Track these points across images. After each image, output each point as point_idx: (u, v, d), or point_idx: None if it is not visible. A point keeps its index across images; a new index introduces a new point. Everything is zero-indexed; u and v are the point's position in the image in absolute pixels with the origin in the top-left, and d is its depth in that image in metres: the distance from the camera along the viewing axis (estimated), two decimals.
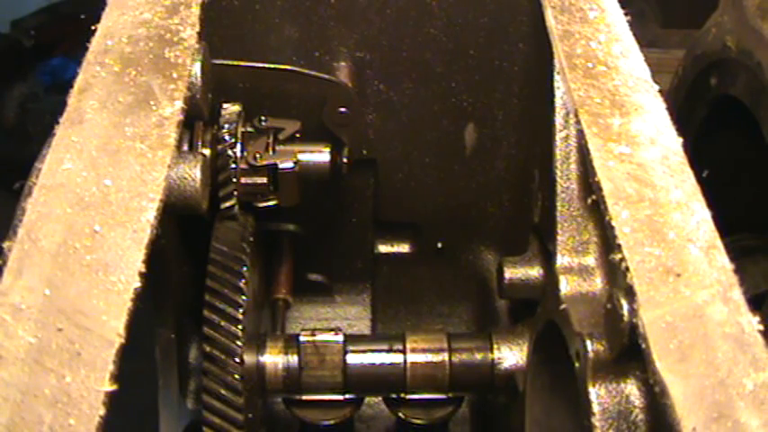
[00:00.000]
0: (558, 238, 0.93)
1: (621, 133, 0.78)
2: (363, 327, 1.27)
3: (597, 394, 0.76)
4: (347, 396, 1.09)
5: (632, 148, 0.77)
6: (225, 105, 1.01)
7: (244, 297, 0.97)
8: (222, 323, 0.97)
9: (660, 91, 0.84)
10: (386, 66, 1.11)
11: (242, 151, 0.99)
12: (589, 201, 0.93)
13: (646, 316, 0.66)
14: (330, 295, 1.27)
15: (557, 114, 0.94)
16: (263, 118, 1.03)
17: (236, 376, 0.96)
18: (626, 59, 0.85)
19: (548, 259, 0.97)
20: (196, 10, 0.88)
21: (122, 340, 0.62)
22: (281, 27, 1.08)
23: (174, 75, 0.82)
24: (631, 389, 0.76)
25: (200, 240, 1.03)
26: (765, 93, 0.98)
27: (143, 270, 0.67)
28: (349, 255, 1.25)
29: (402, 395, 1.09)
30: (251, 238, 1.02)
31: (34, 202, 0.70)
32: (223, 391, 0.96)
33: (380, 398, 1.18)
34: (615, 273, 0.89)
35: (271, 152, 1.01)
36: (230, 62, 1.04)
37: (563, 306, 0.87)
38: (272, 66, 1.06)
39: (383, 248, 1.27)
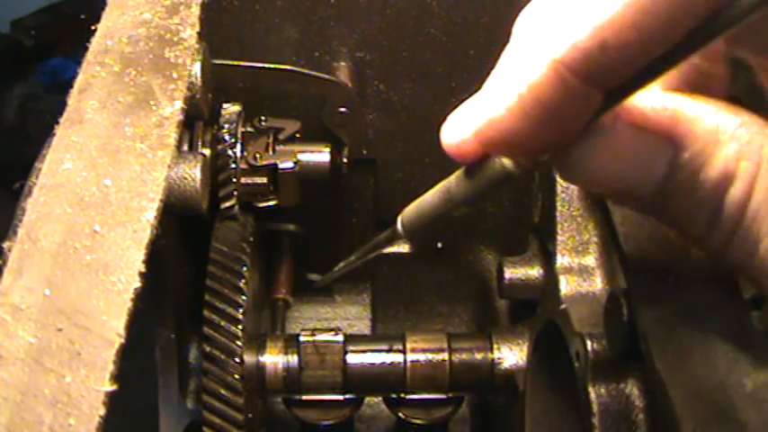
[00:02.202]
0: (558, 238, 0.93)
1: None
2: (363, 327, 1.27)
3: (597, 394, 0.76)
4: (347, 396, 1.09)
5: None
6: (225, 105, 1.01)
7: (244, 297, 0.97)
8: (222, 323, 0.97)
9: None
10: (386, 66, 1.11)
11: (242, 151, 0.99)
12: (589, 201, 0.93)
13: (646, 316, 0.66)
14: (330, 295, 1.27)
15: None
16: (263, 118, 1.03)
17: (236, 376, 0.96)
18: None
19: (548, 259, 0.97)
20: (196, 10, 0.88)
21: (122, 340, 0.62)
22: (281, 27, 1.08)
23: (174, 75, 0.82)
24: (631, 389, 0.76)
25: (200, 240, 1.03)
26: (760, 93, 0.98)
27: (143, 270, 0.67)
28: (349, 255, 1.25)
29: (402, 395, 1.09)
30: (251, 238, 1.02)
31: (34, 202, 0.70)
32: (223, 391, 0.96)
33: (380, 398, 1.18)
34: (615, 273, 0.89)
35: (271, 152, 1.01)
36: (230, 62, 1.04)
37: (563, 306, 0.86)
38: (272, 66, 1.06)
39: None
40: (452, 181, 0.63)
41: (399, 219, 0.69)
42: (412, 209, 0.69)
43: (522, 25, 0.54)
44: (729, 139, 0.53)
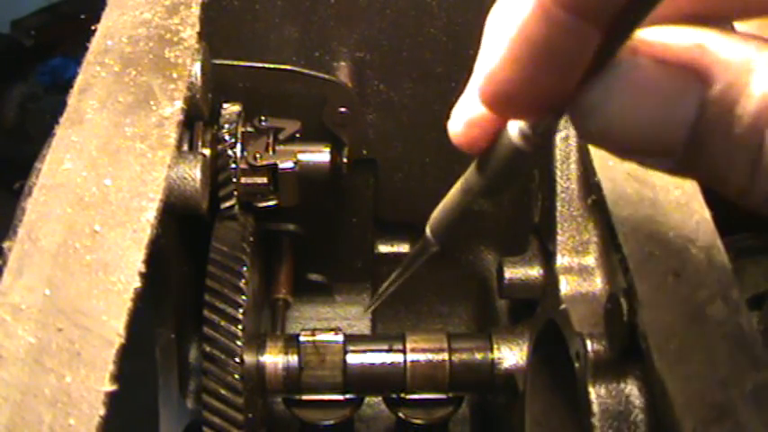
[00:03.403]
0: (558, 238, 0.93)
1: None
2: (363, 327, 1.27)
3: (597, 394, 0.76)
4: (347, 396, 1.09)
5: None
6: (225, 105, 1.01)
7: (244, 297, 0.97)
8: (222, 323, 0.97)
9: None
10: (386, 66, 1.11)
11: (242, 151, 0.99)
12: (589, 201, 0.93)
13: (646, 316, 0.66)
14: (330, 295, 1.27)
15: None
16: (263, 118, 1.03)
17: (236, 376, 0.96)
18: None
19: (548, 259, 0.97)
20: (196, 10, 0.88)
21: (122, 340, 0.62)
22: (281, 27, 1.08)
23: (174, 75, 0.82)
24: (631, 389, 0.76)
25: (200, 240, 1.03)
26: None
27: (143, 270, 0.67)
28: (349, 255, 1.25)
29: (402, 395, 1.09)
30: (251, 238, 1.02)
31: (34, 202, 0.70)
32: (223, 391, 0.96)
33: (380, 398, 1.18)
34: (615, 273, 0.89)
35: (271, 152, 1.01)
36: (230, 62, 1.04)
37: (563, 306, 0.86)
38: (272, 66, 1.06)
39: (383, 248, 1.27)
40: (468, 174, 0.62)
41: (428, 227, 0.69)
42: (436, 213, 0.68)
43: None
44: (764, 63, 0.48)
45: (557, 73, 0.49)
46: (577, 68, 0.49)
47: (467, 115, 0.57)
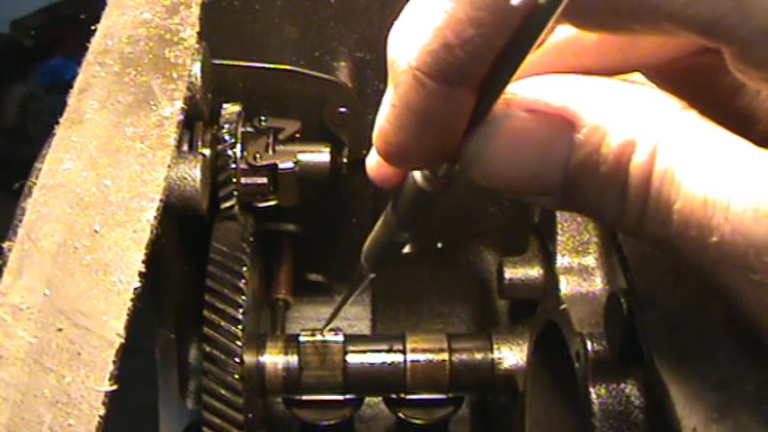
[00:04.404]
0: (558, 238, 0.93)
1: None
2: (363, 327, 1.27)
3: (597, 394, 0.76)
4: (347, 396, 1.09)
5: None
6: (225, 105, 1.01)
7: (244, 297, 0.97)
8: (222, 323, 0.97)
9: None
10: (386, 66, 1.11)
11: (242, 151, 0.99)
12: None
13: (646, 316, 0.66)
14: (330, 295, 1.27)
15: None
16: (263, 118, 1.03)
17: (236, 376, 0.96)
18: None
19: (548, 259, 0.97)
20: (196, 10, 0.88)
21: (122, 340, 0.62)
22: (281, 27, 1.08)
23: (174, 75, 0.82)
24: (631, 389, 0.76)
25: (200, 240, 1.03)
26: None
27: (143, 270, 0.67)
28: (349, 255, 1.25)
29: (402, 395, 1.09)
30: (251, 238, 1.02)
31: (34, 202, 0.70)
32: (223, 391, 0.96)
33: (380, 398, 1.18)
34: (615, 273, 0.89)
35: (271, 152, 1.01)
36: (230, 62, 1.04)
37: (563, 306, 0.87)
38: (272, 66, 1.06)
39: None
40: (387, 209, 0.65)
41: (362, 255, 0.73)
42: (367, 244, 0.72)
43: (390, 40, 0.55)
44: (625, 106, 0.52)
45: (440, 134, 0.54)
46: (460, 127, 0.53)
47: (376, 155, 0.61)
